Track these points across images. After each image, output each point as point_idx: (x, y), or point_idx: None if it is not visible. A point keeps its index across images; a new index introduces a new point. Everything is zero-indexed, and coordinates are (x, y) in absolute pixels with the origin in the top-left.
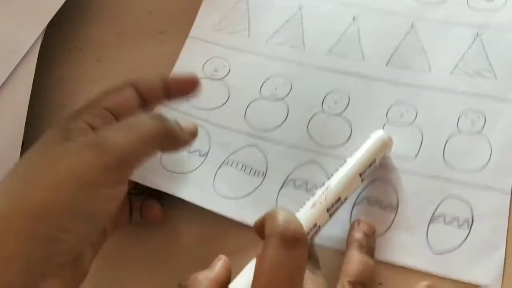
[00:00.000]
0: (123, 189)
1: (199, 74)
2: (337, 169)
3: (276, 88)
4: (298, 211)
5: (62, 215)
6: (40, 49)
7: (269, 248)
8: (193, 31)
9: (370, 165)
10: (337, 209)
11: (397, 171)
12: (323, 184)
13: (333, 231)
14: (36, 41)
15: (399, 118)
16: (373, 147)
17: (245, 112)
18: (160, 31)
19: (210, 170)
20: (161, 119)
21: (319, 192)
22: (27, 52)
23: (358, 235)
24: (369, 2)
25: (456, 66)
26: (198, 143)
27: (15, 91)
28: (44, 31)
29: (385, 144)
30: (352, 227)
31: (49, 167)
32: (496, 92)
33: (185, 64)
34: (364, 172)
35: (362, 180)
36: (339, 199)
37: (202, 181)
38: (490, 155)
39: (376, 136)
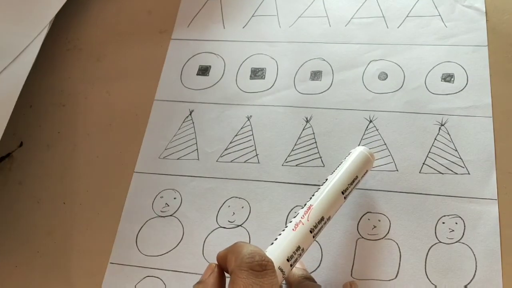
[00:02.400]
0: None
1: (149, 213)
2: (318, 188)
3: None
4: (279, 234)
5: None
6: (40, 49)
7: (239, 279)
8: (138, 166)
9: (352, 182)
10: (321, 229)
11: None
12: (304, 204)
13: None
14: (35, 40)
15: (371, 230)
16: (354, 163)
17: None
18: (160, 31)
19: None
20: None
21: (301, 212)
22: (24, 50)
23: None
24: (321, 103)
25: (424, 163)
26: None
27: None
28: (47, 29)
29: (367, 160)
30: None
31: None
32: (473, 192)
33: (135, 200)
34: (346, 189)
35: (345, 198)
36: (322, 218)
37: None
38: (476, 269)
39: (357, 152)
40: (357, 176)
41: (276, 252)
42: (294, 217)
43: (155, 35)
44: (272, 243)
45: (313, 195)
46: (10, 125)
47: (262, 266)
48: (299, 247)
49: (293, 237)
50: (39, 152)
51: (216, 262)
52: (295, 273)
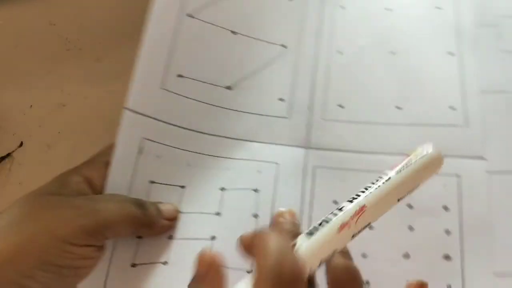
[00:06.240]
0: (95, 254)
1: None
2: (375, 182)
3: None
4: (320, 224)
5: (30, 263)
6: (40, 48)
7: None
8: None
9: (413, 190)
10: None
11: None
12: (353, 198)
13: None
14: None
15: None
16: (424, 170)
17: None
18: None
19: None
20: (142, 207)
21: (349, 209)
22: None
23: None
24: None
25: None
26: None
27: None
28: None
29: (437, 167)
30: None
31: (31, 217)
32: None
33: None
34: (403, 197)
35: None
36: (368, 224)
37: None
38: None
39: (426, 151)
40: (419, 184)
41: (312, 251)
42: (340, 209)
43: None
44: (310, 233)
45: (366, 189)
46: (10, 125)
47: (291, 284)
48: (335, 250)
49: (336, 240)
50: (39, 152)
51: (208, 254)
52: None
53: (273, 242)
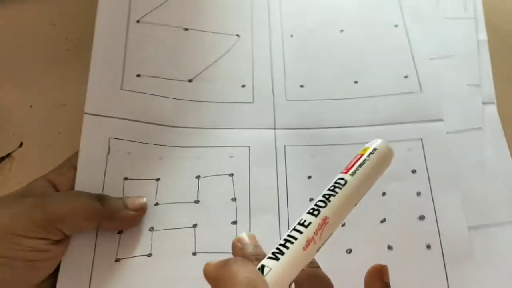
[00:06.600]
0: (51, 247)
1: None
2: (333, 189)
3: None
4: (284, 245)
5: None
6: (40, 48)
7: None
8: None
9: (369, 188)
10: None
11: None
12: (313, 209)
13: None
14: None
15: None
16: (378, 168)
17: None
18: None
19: None
20: (102, 200)
21: (313, 224)
22: None
23: None
24: None
25: None
26: None
27: None
28: None
29: (388, 156)
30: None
31: None
32: None
33: None
34: (360, 199)
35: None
36: (331, 235)
37: None
38: None
39: (382, 151)
40: (375, 181)
41: (283, 275)
42: (302, 224)
43: None
44: (276, 256)
45: (325, 197)
46: (10, 125)
47: None
48: (303, 267)
49: (304, 258)
50: (39, 152)
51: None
52: None
53: (241, 272)
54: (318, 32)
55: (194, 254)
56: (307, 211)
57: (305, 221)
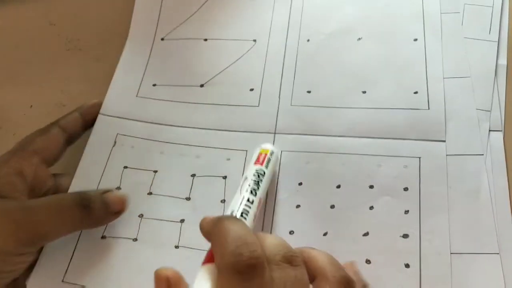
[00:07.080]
0: (30, 258)
1: None
2: (256, 179)
3: None
4: (245, 218)
5: None
6: (40, 48)
7: (223, 284)
8: None
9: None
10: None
11: None
12: (253, 189)
13: None
14: None
15: None
16: (276, 163)
17: None
18: None
19: None
20: (86, 208)
21: (255, 201)
22: None
23: None
24: None
25: None
26: None
27: None
28: None
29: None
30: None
31: None
32: None
33: None
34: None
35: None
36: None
37: None
38: None
39: (272, 149)
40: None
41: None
42: (251, 202)
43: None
44: (245, 218)
45: (257, 183)
46: (10, 125)
47: (250, 267)
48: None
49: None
50: None
51: (166, 273)
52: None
53: (231, 229)
54: (335, 38)
55: (176, 247)
56: (249, 191)
57: (252, 200)
